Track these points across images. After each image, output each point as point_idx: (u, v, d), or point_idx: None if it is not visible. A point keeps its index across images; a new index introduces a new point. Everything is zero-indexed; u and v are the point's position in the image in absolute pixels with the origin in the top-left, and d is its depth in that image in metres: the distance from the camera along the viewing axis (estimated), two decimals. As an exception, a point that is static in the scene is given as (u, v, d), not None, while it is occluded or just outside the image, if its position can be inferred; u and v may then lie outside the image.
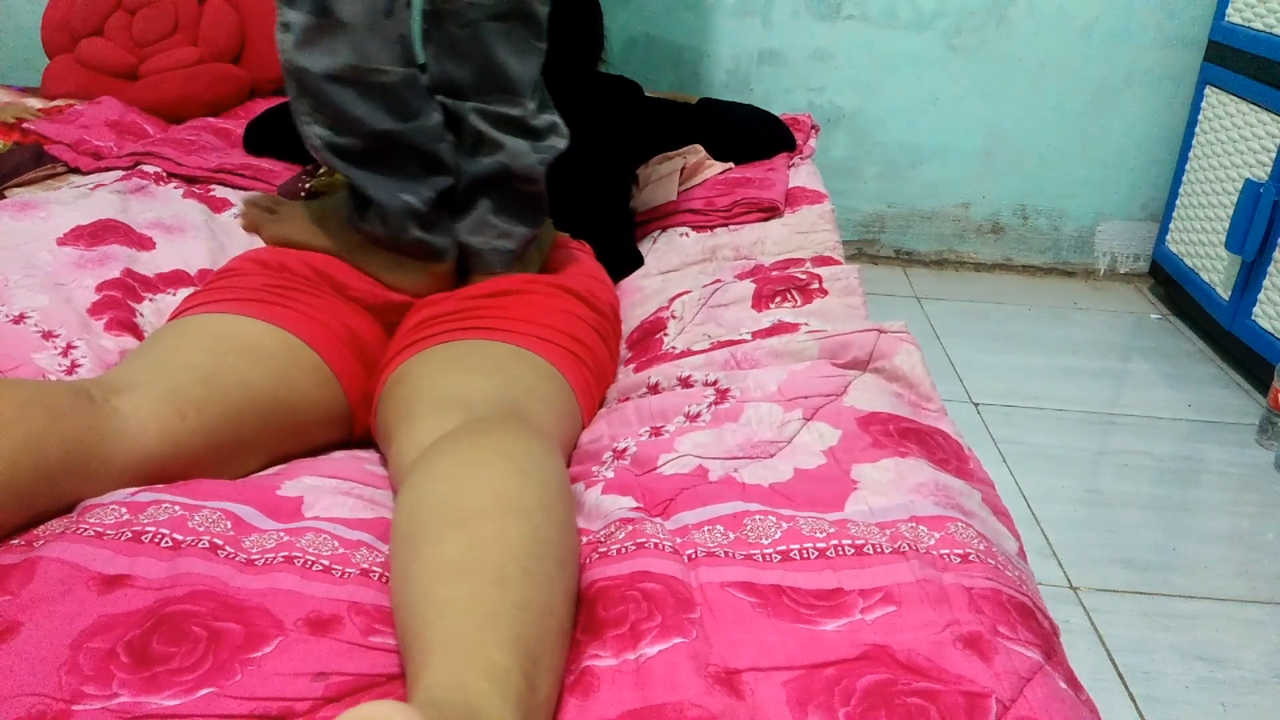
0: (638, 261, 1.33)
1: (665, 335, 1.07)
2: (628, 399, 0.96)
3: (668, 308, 1.12)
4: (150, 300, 1.13)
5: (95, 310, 1.06)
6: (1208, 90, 2.10)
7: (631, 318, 1.16)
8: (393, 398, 0.85)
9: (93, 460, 0.72)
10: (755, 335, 1.00)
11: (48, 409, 0.70)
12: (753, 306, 1.08)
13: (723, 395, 0.89)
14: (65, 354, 0.97)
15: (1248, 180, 1.85)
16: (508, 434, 0.70)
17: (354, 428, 0.94)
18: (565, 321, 0.96)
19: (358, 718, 0.44)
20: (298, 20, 0.89)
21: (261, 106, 1.79)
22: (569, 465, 0.89)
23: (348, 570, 0.67)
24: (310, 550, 0.68)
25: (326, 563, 0.67)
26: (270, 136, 1.61)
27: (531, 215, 1.02)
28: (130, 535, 0.66)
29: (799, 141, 1.74)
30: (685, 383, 0.94)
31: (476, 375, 0.85)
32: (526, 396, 0.84)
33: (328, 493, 0.78)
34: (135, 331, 1.05)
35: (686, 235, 1.38)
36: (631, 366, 1.03)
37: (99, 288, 1.10)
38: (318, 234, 1.02)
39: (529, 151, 0.98)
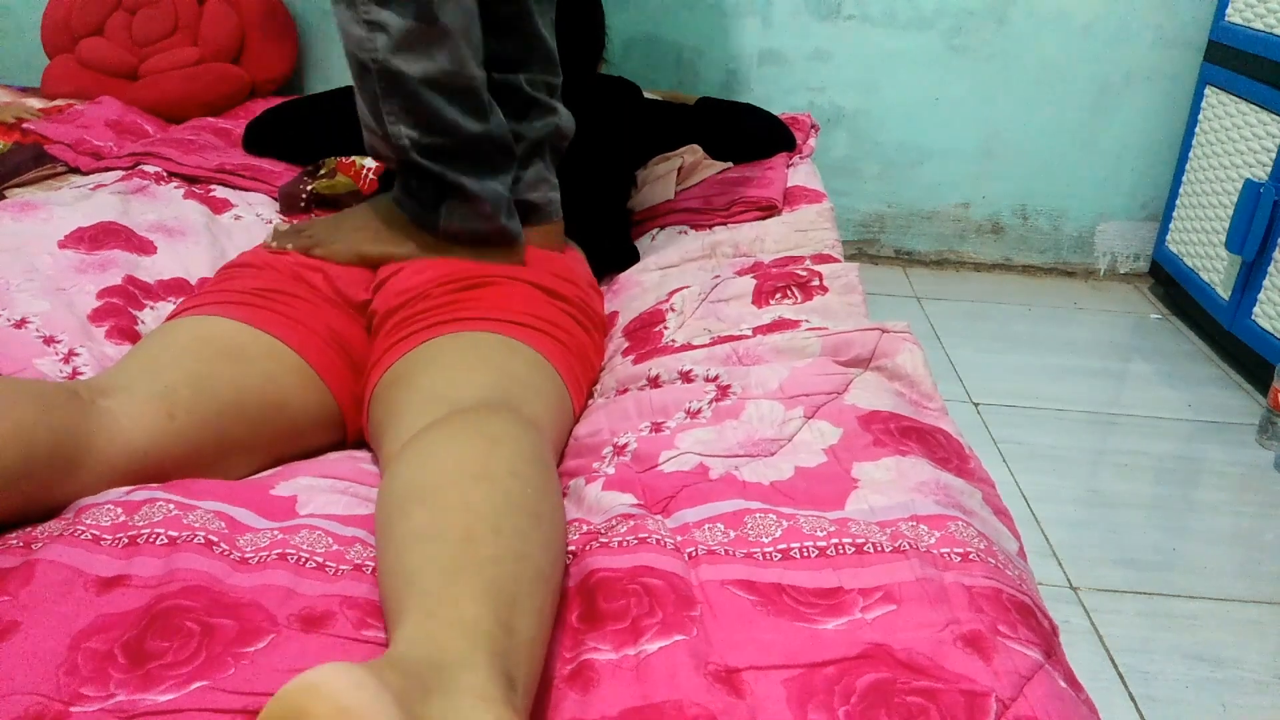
0: (633, 258, 1.33)
1: (665, 328, 1.07)
2: (626, 390, 0.96)
3: (666, 301, 1.12)
4: (151, 308, 1.12)
5: (96, 317, 1.05)
6: (1208, 90, 2.10)
7: (629, 310, 1.16)
8: (382, 399, 0.86)
9: (83, 454, 0.72)
10: (756, 331, 1.00)
11: (38, 400, 0.71)
12: (753, 302, 1.08)
13: (724, 391, 0.89)
14: (67, 360, 0.97)
15: (1248, 180, 1.85)
16: (479, 414, 0.71)
17: (347, 430, 0.94)
18: (540, 309, 0.97)
19: (299, 685, 0.43)
20: (396, 23, 0.88)
21: (261, 106, 1.78)
22: (566, 458, 0.89)
23: (340, 567, 0.67)
24: (304, 547, 0.68)
25: (320, 559, 0.67)
26: (271, 137, 1.61)
27: (555, 169, 1.14)
28: (127, 540, 0.66)
29: (798, 141, 1.74)
30: (686, 377, 0.94)
31: (465, 370, 0.85)
32: (516, 387, 0.84)
33: (322, 491, 0.78)
34: (136, 339, 1.04)
35: (685, 233, 1.38)
36: (630, 358, 1.03)
37: (100, 294, 1.09)
38: (388, 242, 1.01)
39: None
